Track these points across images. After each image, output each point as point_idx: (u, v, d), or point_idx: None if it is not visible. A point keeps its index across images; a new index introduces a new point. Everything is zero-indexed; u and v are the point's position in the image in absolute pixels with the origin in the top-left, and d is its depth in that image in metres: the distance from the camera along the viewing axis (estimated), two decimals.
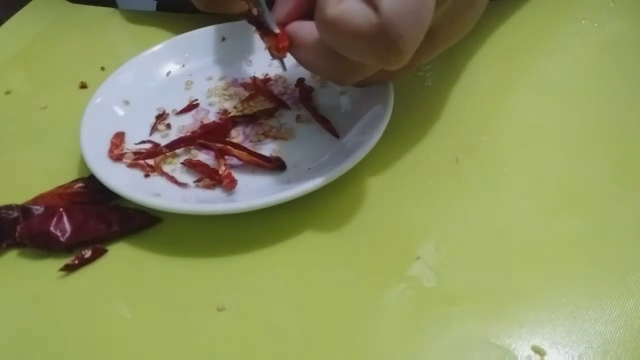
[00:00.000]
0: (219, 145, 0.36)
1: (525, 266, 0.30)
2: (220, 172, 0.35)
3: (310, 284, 0.30)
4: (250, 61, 0.44)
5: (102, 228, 0.33)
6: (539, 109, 0.39)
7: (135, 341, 0.29)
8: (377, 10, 0.25)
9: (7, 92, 0.46)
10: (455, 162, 0.36)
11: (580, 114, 0.38)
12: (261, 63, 0.43)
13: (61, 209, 0.33)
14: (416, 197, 0.34)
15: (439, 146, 0.37)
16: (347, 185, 0.34)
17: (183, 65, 0.44)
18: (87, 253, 0.32)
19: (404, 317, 0.28)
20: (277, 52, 0.32)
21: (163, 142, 0.38)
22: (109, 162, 0.36)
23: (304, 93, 0.40)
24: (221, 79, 0.43)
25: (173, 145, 0.37)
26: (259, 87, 0.40)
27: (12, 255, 0.33)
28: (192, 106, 0.41)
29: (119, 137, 0.38)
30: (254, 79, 0.41)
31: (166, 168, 0.36)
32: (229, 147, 0.36)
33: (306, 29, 0.31)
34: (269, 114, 0.39)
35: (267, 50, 0.34)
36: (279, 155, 0.36)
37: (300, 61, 0.32)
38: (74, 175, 0.37)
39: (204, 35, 0.45)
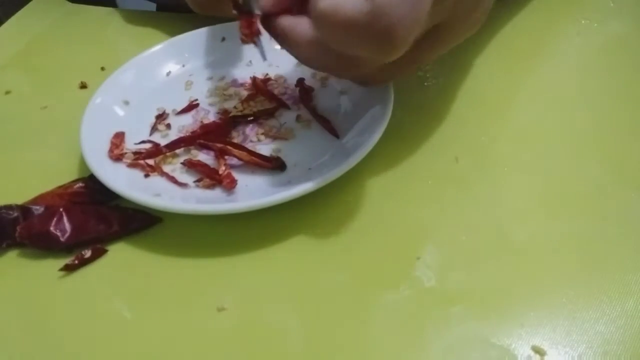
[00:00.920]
0: (219, 145, 0.36)
1: (525, 266, 0.30)
2: (220, 172, 0.35)
3: (310, 283, 0.30)
4: (250, 61, 0.44)
5: (102, 228, 0.33)
6: (539, 109, 0.39)
7: (135, 341, 0.29)
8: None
9: (7, 92, 0.46)
10: (455, 162, 0.36)
11: (580, 114, 0.38)
12: (261, 63, 0.43)
13: (61, 209, 0.33)
14: (416, 197, 0.34)
15: (439, 146, 0.37)
16: (347, 185, 0.34)
17: (183, 66, 0.44)
18: (87, 253, 0.32)
19: (404, 317, 0.28)
20: (245, 37, 0.33)
21: (163, 142, 0.38)
22: (109, 162, 0.36)
23: (304, 93, 0.40)
24: (221, 79, 0.43)
25: (173, 145, 0.37)
26: (259, 87, 0.40)
27: (12, 255, 0.33)
28: (192, 106, 0.41)
29: (119, 137, 0.38)
30: (254, 79, 0.41)
31: (166, 168, 0.36)
32: (229, 147, 0.36)
33: (303, 25, 0.31)
34: (269, 114, 0.39)
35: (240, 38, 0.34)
36: (278, 155, 0.36)
37: (298, 58, 0.32)
38: (74, 175, 0.37)
39: (204, 35, 0.45)
